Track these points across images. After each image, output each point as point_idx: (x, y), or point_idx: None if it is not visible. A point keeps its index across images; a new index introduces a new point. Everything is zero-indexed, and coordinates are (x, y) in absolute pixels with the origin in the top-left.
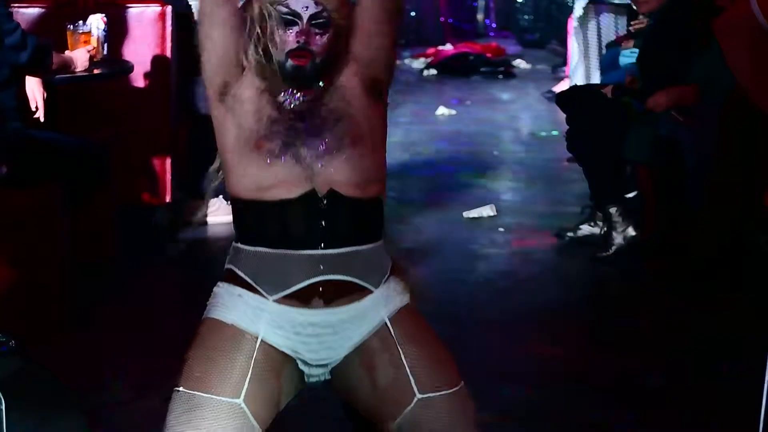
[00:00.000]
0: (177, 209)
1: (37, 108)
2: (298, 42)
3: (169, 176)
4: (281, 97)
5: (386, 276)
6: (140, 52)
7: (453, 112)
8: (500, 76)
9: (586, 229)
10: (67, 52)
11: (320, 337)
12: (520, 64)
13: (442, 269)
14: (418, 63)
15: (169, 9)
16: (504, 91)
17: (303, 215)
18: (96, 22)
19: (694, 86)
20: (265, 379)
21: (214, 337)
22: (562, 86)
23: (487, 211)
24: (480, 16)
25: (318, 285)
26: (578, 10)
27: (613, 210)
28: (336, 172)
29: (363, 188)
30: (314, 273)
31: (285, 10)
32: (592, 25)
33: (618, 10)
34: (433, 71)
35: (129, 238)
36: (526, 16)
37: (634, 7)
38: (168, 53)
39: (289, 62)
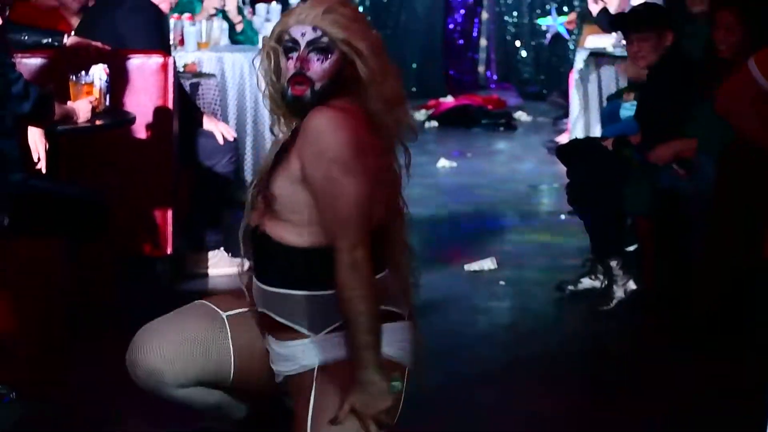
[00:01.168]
0: (178, 261)
1: (39, 158)
2: (295, 68)
3: (170, 227)
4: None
5: (332, 327)
6: (142, 103)
7: (454, 164)
8: (501, 129)
9: (587, 282)
10: (69, 103)
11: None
12: (521, 116)
13: (444, 322)
14: (420, 115)
15: (171, 60)
16: (505, 143)
17: (250, 245)
18: (98, 73)
19: (693, 139)
20: (253, 331)
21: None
22: (563, 138)
23: (488, 263)
24: (481, 69)
25: (260, 314)
26: (579, 63)
27: (613, 263)
28: (268, 214)
29: (294, 237)
30: (258, 303)
31: (287, 37)
32: (593, 78)
33: (619, 62)
34: (434, 123)
35: (130, 289)
36: (527, 69)
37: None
38: (170, 104)
39: (289, 92)
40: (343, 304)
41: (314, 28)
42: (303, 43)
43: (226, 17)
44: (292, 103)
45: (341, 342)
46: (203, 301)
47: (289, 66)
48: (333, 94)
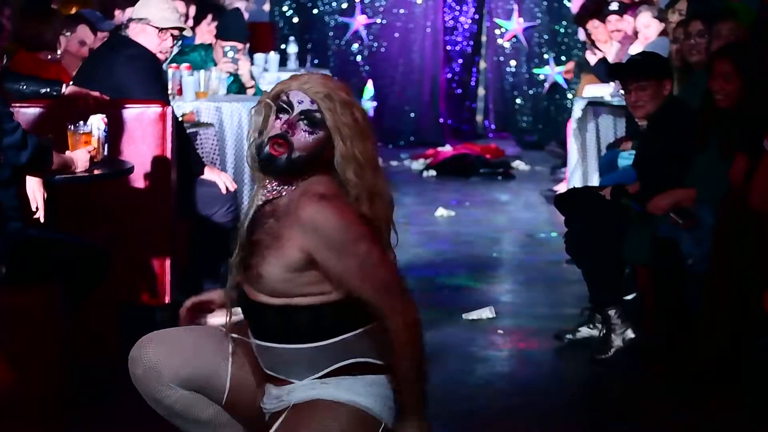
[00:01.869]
0: (177, 310)
1: (37, 208)
2: (281, 128)
3: (168, 277)
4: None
5: (316, 376)
6: (141, 153)
7: (452, 213)
8: (499, 178)
9: (585, 331)
10: (67, 152)
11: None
12: (519, 165)
13: (442, 371)
14: (417, 164)
15: (169, 110)
16: (503, 192)
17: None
18: (97, 123)
19: (692, 189)
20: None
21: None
22: (561, 187)
23: (486, 313)
24: (479, 118)
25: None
26: (577, 112)
27: (612, 312)
28: (253, 283)
29: (277, 301)
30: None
31: (284, 98)
32: (591, 127)
33: (617, 111)
34: (433, 172)
35: (128, 339)
36: (525, 118)
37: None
38: (168, 154)
39: (266, 149)
40: (404, 362)
41: (312, 101)
42: (297, 110)
43: (238, 80)
44: (265, 160)
45: (321, 385)
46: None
47: (276, 125)
48: (306, 169)
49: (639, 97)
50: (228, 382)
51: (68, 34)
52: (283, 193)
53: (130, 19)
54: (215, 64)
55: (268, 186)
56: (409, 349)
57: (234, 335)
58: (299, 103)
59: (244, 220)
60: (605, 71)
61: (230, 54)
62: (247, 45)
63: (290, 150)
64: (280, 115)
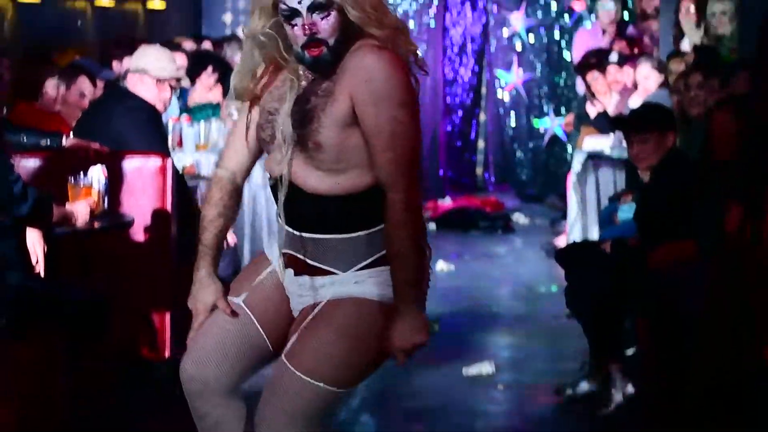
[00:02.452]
0: (177, 365)
1: (37, 260)
2: (305, 35)
3: (168, 331)
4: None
5: (359, 265)
6: (141, 205)
7: (452, 267)
8: (499, 231)
9: (585, 386)
10: (67, 205)
11: (293, 291)
12: (519, 218)
13: (442, 426)
14: None
15: (170, 162)
16: (503, 245)
17: (281, 199)
18: (97, 175)
19: (691, 241)
20: (266, 289)
21: (253, 263)
22: (561, 241)
23: (486, 367)
24: (479, 170)
25: (289, 255)
26: (577, 165)
27: (612, 367)
28: (297, 167)
29: (328, 185)
30: (288, 246)
31: (284, 7)
32: (590, 180)
33: (617, 164)
34: (432, 225)
35: (128, 392)
36: (525, 171)
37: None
38: (168, 207)
39: (306, 56)
40: (393, 241)
41: None
42: (304, 9)
43: None
44: (313, 65)
45: (361, 279)
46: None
47: (297, 33)
48: (347, 43)
49: (641, 149)
50: (266, 338)
51: (67, 85)
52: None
53: (128, 70)
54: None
55: (306, 73)
56: (404, 231)
57: (243, 295)
58: (299, 2)
59: (279, 104)
60: (607, 123)
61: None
62: None
63: (325, 43)
64: (293, 23)
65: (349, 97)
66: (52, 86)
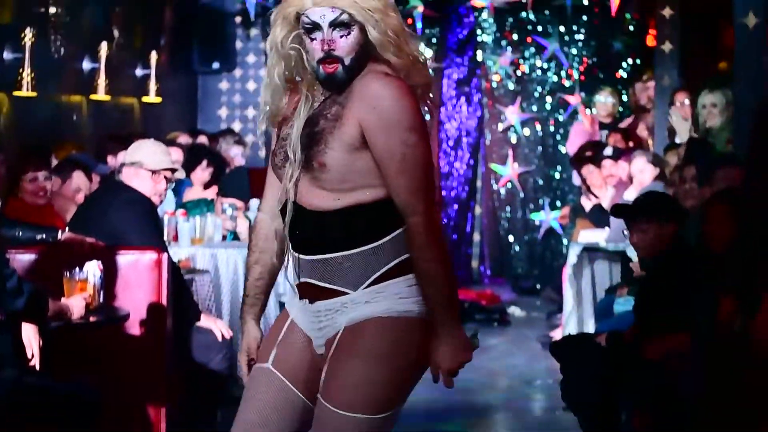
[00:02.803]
0: None
1: (32, 355)
2: (323, 51)
3: (164, 425)
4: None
5: (370, 280)
6: (136, 299)
7: None
8: (495, 324)
9: None
10: (63, 299)
11: (312, 326)
12: (514, 311)
13: None
14: None
15: (165, 256)
16: (499, 338)
17: (287, 223)
18: (92, 269)
19: (687, 333)
20: (290, 343)
21: (277, 320)
22: (557, 333)
23: None
24: (475, 263)
25: (302, 284)
26: (572, 258)
27: None
28: (303, 187)
29: (330, 202)
30: (299, 274)
31: (306, 20)
32: (586, 273)
33: (612, 257)
34: None
35: None
36: (520, 263)
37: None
38: (164, 301)
39: (321, 71)
40: (422, 265)
41: (333, 9)
42: (325, 25)
43: (237, 239)
44: (327, 80)
45: (373, 298)
46: (258, 368)
47: (315, 47)
48: (362, 64)
49: (640, 239)
50: (300, 394)
51: (63, 179)
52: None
53: (123, 164)
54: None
55: (319, 93)
56: (430, 253)
57: (271, 359)
58: (322, 17)
59: (291, 129)
60: (603, 216)
61: (229, 211)
62: (250, 201)
63: (341, 61)
64: (313, 36)
65: (357, 122)
66: (42, 177)
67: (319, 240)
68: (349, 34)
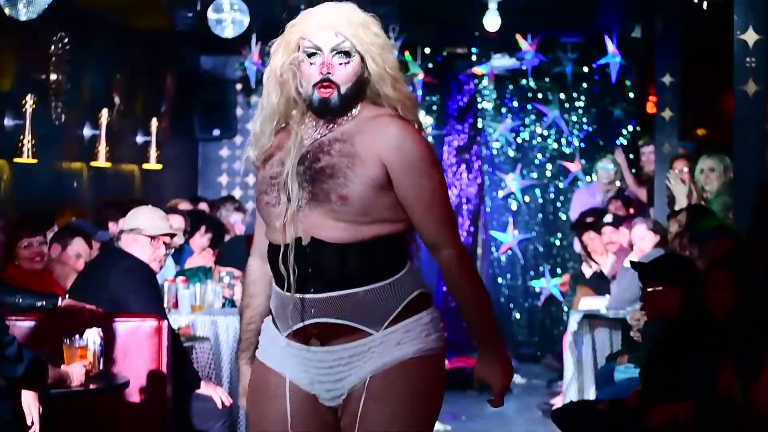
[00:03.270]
0: None
1: (32, 422)
2: (321, 74)
3: None
4: (311, 128)
5: (391, 318)
6: (136, 367)
7: (448, 427)
8: None
9: None
10: (63, 366)
11: (323, 373)
12: (515, 378)
13: None
14: None
15: (165, 324)
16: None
17: (294, 260)
18: (92, 337)
19: (689, 402)
20: (303, 414)
21: (259, 381)
22: (557, 401)
23: None
24: None
25: (312, 326)
26: (573, 325)
27: None
28: (315, 221)
29: (350, 234)
30: (307, 316)
31: (309, 44)
32: (587, 340)
33: (613, 324)
34: None
35: None
36: (521, 330)
37: (630, 321)
38: (164, 368)
39: (316, 95)
40: (465, 294)
41: (336, 34)
42: (327, 50)
43: (234, 306)
44: (319, 105)
45: (395, 342)
46: None
47: (313, 71)
48: (357, 96)
49: (652, 298)
50: None
51: (63, 246)
52: (342, 123)
53: (122, 231)
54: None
55: (314, 124)
56: (469, 281)
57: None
58: (325, 42)
59: (281, 167)
60: (602, 282)
61: (226, 279)
62: None
63: (338, 87)
64: (312, 60)
65: (380, 162)
66: (37, 243)
67: (340, 274)
68: (348, 63)
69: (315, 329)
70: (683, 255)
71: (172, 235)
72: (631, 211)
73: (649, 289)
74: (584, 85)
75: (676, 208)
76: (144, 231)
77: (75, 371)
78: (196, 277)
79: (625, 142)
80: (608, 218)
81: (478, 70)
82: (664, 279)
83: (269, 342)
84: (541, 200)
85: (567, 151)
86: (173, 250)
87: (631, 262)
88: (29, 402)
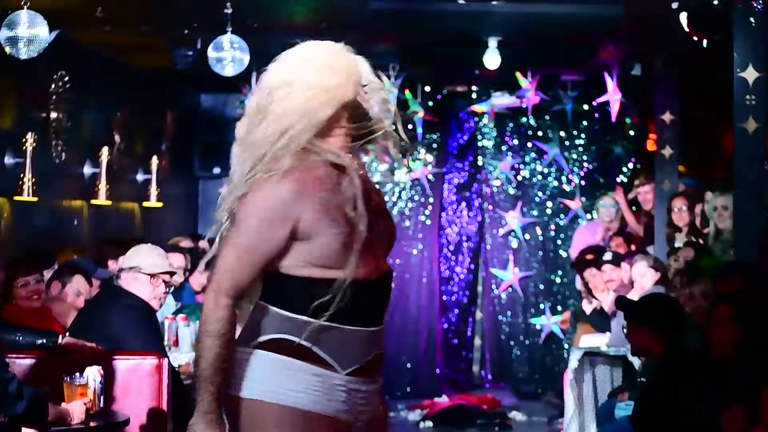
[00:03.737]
0: None
1: None
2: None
3: None
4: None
5: None
6: (137, 404)
7: None
8: (496, 429)
9: None
10: (63, 404)
11: (367, 403)
12: (516, 416)
13: None
14: (414, 415)
15: (165, 362)
16: None
17: (369, 298)
18: (93, 374)
19: None
20: None
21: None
22: None
23: None
24: (476, 368)
25: (375, 359)
26: (573, 362)
27: None
28: (382, 257)
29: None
30: (373, 348)
31: (362, 111)
32: (587, 377)
33: (614, 362)
34: (429, 423)
35: None
36: (522, 368)
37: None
38: (164, 406)
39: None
40: None
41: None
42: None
43: None
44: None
45: None
46: None
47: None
48: None
49: (631, 338)
50: None
51: (63, 284)
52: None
53: (121, 269)
54: None
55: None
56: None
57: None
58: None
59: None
60: (603, 319)
61: None
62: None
63: None
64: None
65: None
66: (34, 281)
67: (386, 304)
68: None
69: (378, 362)
70: (670, 296)
71: (171, 273)
72: (633, 248)
73: (624, 329)
74: (584, 123)
75: (676, 245)
76: (143, 269)
77: (75, 409)
78: (195, 314)
79: (625, 180)
80: (608, 256)
81: (478, 108)
82: (640, 319)
83: (307, 386)
84: (541, 238)
85: (567, 188)
86: (173, 288)
87: (615, 300)
88: None
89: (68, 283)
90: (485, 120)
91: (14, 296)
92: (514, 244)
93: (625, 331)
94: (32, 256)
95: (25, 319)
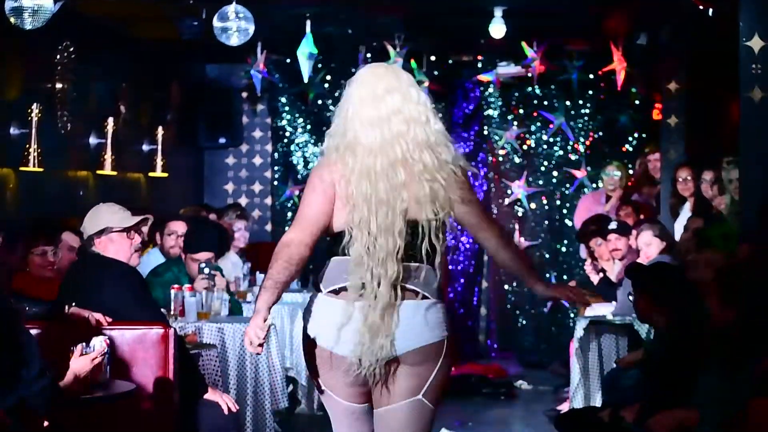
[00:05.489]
0: None
1: None
2: None
3: None
4: None
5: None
6: (143, 374)
7: None
8: (502, 398)
9: None
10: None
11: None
12: (521, 385)
13: None
14: None
15: (171, 331)
16: (506, 412)
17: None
18: (99, 345)
19: (695, 410)
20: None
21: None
22: (564, 407)
23: None
24: (482, 337)
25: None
26: (579, 332)
27: None
28: None
29: None
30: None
31: None
32: (593, 346)
33: (619, 331)
34: None
35: None
36: (527, 337)
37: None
38: (171, 375)
39: None
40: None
41: None
42: None
43: (240, 312)
44: None
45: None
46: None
47: None
48: None
49: (638, 305)
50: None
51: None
52: None
53: (90, 236)
54: (190, 280)
55: None
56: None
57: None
58: None
59: None
60: (608, 288)
61: (206, 270)
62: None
63: None
64: None
65: None
66: (51, 252)
67: None
68: None
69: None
70: (674, 265)
71: (146, 220)
72: (642, 217)
73: (630, 297)
74: (590, 92)
75: (681, 214)
76: (115, 228)
77: (78, 366)
78: (169, 272)
79: (630, 149)
80: (612, 226)
81: (483, 77)
82: (644, 286)
83: None
84: (547, 207)
85: (573, 158)
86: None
87: (626, 266)
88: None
89: (60, 243)
90: (491, 89)
91: (29, 263)
92: (520, 213)
93: (631, 299)
94: (54, 226)
95: (35, 288)
